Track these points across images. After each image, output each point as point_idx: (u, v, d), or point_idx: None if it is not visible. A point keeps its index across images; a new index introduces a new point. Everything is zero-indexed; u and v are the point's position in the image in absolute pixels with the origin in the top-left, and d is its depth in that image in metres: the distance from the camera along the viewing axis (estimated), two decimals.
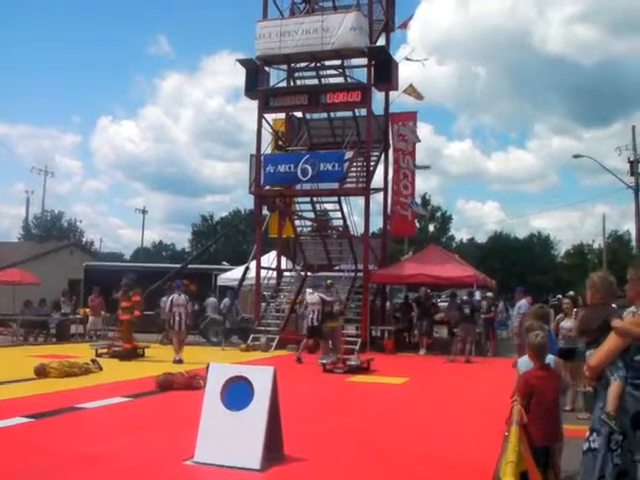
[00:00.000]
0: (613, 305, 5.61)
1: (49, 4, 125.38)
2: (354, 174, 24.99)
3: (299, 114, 27.40)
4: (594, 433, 4.93)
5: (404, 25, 28.18)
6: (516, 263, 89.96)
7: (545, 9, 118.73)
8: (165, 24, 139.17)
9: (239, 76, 25.16)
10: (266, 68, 25.42)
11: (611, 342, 4.87)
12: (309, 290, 21.75)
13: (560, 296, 23.39)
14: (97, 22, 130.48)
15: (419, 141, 27.76)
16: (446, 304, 26.03)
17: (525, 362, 6.52)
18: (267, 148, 25.87)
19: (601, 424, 4.87)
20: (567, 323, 11.88)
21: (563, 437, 6.46)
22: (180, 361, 17.38)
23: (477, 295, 25.92)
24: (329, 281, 20.95)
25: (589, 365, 5.04)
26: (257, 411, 7.00)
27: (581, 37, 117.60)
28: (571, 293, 19.71)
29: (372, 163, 24.80)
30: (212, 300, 26.70)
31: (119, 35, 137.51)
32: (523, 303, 18.98)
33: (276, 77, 25.96)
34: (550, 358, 6.52)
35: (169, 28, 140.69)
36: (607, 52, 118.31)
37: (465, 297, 21.97)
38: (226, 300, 26.17)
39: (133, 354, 18.63)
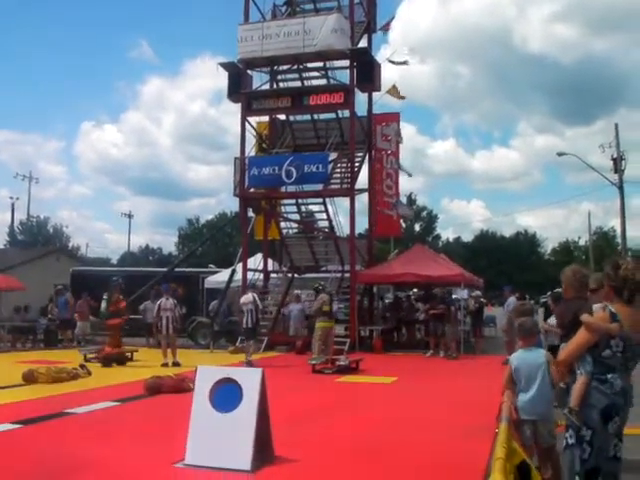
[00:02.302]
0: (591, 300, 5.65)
1: (30, 10, 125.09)
2: (338, 175, 25.09)
3: (282, 116, 27.44)
4: (570, 429, 4.97)
5: (386, 27, 28.21)
6: (503, 261, 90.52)
7: (525, 8, 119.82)
8: (146, 28, 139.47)
9: (221, 79, 25.16)
10: (248, 71, 25.41)
11: (580, 337, 4.92)
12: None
13: (550, 293, 23.53)
14: (78, 27, 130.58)
15: (401, 141, 27.89)
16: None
17: (517, 357, 6.54)
18: (251, 151, 25.91)
19: (567, 419, 4.94)
20: (552, 320, 11.96)
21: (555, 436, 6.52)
22: (177, 364, 17.51)
23: (465, 294, 26.05)
24: (318, 284, 20.94)
25: (559, 359, 5.09)
26: (246, 412, 7.00)
27: (561, 35, 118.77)
28: (558, 290, 19.83)
29: (356, 164, 24.85)
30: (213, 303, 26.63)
31: (100, 39, 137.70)
32: (512, 300, 19.23)
33: (259, 80, 26.04)
34: (542, 352, 6.58)
35: (150, 32, 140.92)
36: (588, 50, 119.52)
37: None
38: (214, 303, 26.19)
39: (120, 359, 18.56)
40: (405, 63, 27.10)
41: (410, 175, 28.94)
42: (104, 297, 18.92)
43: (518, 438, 5.61)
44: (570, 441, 4.93)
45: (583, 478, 4.82)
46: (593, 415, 4.78)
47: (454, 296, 24.49)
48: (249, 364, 17.20)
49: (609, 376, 4.81)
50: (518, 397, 6.34)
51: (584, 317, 4.92)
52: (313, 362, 16.87)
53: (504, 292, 22.49)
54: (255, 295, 19.21)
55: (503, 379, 6.60)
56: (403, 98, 27.19)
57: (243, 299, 19.14)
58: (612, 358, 4.81)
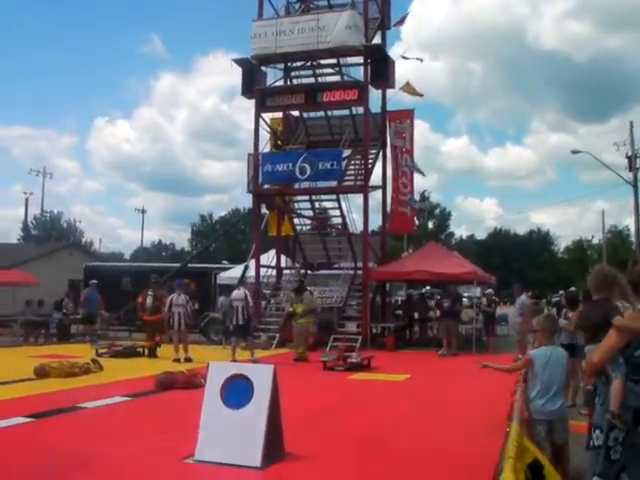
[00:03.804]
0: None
1: (45, 8, 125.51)
2: (352, 172, 25.06)
3: (296, 113, 27.41)
4: (597, 430, 4.96)
5: (400, 23, 28.11)
6: (516, 259, 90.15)
7: (537, 5, 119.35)
8: (158, 24, 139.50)
9: (234, 75, 25.23)
10: (262, 67, 25.39)
11: (611, 339, 4.89)
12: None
13: (562, 292, 23.39)
14: (91, 23, 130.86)
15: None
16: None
17: (543, 355, 6.49)
18: (265, 147, 25.89)
19: (602, 421, 4.90)
20: (562, 320, 11.89)
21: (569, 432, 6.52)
22: (189, 359, 17.62)
23: (477, 292, 25.98)
24: (301, 280, 21.11)
25: (592, 362, 5.05)
26: (257, 409, 7.00)
27: (575, 33, 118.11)
28: (572, 289, 19.70)
29: (370, 161, 24.79)
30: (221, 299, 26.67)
31: (112, 35, 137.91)
32: (523, 299, 19.11)
33: (273, 76, 25.96)
34: (560, 351, 6.56)
35: (162, 28, 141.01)
36: (601, 47, 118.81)
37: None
38: (221, 299, 26.19)
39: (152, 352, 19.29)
40: (416, 59, 27.18)
41: (424, 174, 28.84)
42: (149, 293, 19.52)
43: (531, 437, 5.58)
44: (597, 442, 4.92)
45: (612, 478, 4.80)
46: (627, 415, 4.77)
47: (466, 294, 24.43)
48: (254, 362, 17.09)
49: None
50: (536, 397, 6.32)
51: (615, 320, 4.89)
52: (325, 359, 16.85)
53: (513, 290, 22.35)
54: (247, 292, 18.73)
55: (520, 367, 6.56)
56: (421, 95, 27.06)
57: (234, 294, 18.68)
58: None
